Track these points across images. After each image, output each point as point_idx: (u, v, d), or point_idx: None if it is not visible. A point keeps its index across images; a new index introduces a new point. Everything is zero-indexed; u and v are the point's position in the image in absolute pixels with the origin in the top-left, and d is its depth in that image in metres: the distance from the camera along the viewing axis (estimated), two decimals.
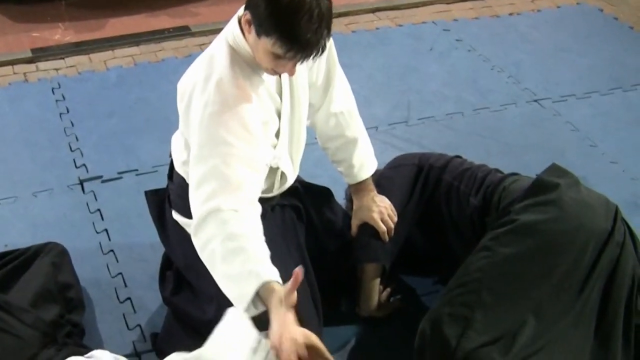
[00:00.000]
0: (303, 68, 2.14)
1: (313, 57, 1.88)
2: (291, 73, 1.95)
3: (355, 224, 2.44)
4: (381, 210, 2.38)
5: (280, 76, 2.07)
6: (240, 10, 1.96)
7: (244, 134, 1.90)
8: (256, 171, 1.93)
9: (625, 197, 3.07)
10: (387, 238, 2.39)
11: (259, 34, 1.85)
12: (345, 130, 2.37)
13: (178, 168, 2.23)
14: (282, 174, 2.21)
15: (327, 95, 2.31)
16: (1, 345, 2.02)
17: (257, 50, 1.90)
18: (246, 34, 1.92)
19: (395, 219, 2.40)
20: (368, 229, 2.39)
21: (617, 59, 4.29)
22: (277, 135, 2.13)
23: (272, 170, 2.16)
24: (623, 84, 4.04)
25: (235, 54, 1.97)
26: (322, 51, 1.88)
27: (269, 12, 1.79)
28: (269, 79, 2.05)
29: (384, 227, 2.38)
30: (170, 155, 2.32)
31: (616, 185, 3.17)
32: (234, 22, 1.99)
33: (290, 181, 2.27)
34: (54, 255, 2.41)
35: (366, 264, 2.43)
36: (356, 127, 2.41)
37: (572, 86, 4.00)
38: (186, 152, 2.11)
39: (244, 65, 1.97)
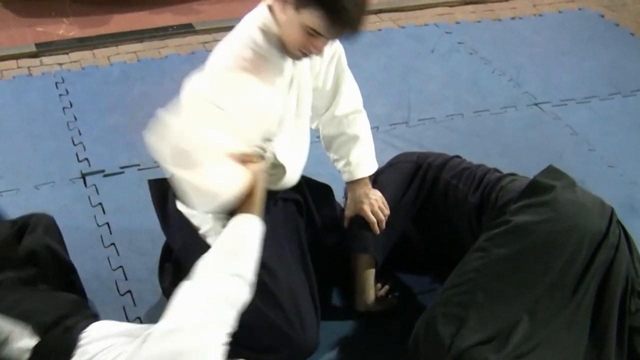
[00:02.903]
0: (307, 71, 2.18)
1: (347, 36, 1.90)
2: (320, 52, 1.97)
3: (347, 215, 2.48)
4: (371, 203, 2.41)
5: (293, 65, 2.09)
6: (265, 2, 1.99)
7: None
8: None
9: (622, 200, 3.10)
10: (377, 230, 2.42)
11: (298, 7, 1.85)
12: (346, 128, 2.40)
13: None
14: (281, 166, 2.20)
15: (335, 100, 2.34)
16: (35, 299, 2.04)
17: (290, 27, 1.91)
18: (277, 13, 1.93)
19: (387, 211, 2.43)
20: (359, 220, 2.43)
21: (617, 65, 4.32)
22: (279, 126, 2.14)
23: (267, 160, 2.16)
24: (623, 89, 4.07)
25: (267, 37, 1.98)
26: (356, 31, 1.90)
27: None
28: (286, 69, 2.07)
29: (373, 219, 2.41)
30: None
31: (614, 188, 3.20)
32: (260, 10, 2.01)
33: (290, 176, 2.27)
34: (48, 240, 2.31)
35: (358, 255, 2.47)
36: (359, 127, 2.43)
37: (572, 90, 4.02)
38: None
39: (274, 48, 1.99)
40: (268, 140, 2.12)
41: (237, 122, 1.92)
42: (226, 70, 1.95)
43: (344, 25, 1.86)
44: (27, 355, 1.83)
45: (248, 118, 1.96)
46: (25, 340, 1.86)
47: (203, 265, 1.81)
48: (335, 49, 2.26)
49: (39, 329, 1.88)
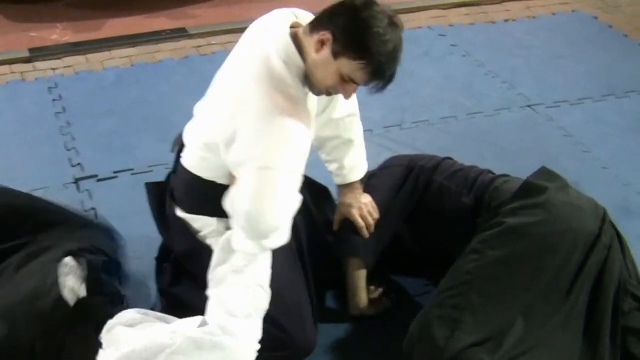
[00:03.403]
0: None
1: (381, 85, 1.94)
2: (349, 96, 1.99)
3: (337, 219, 2.49)
4: (360, 207, 2.43)
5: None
6: (285, 22, 1.96)
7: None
8: None
9: (616, 201, 3.09)
10: (366, 233, 2.43)
11: (337, 53, 1.85)
12: (342, 132, 2.40)
13: (188, 162, 2.20)
14: None
15: (331, 103, 2.32)
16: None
17: (324, 69, 1.89)
18: (309, 51, 1.90)
19: (376, 215, 2.44)
20: (349, 224, 2.44)
21: (610, 66, 4.32)
22: None
23: None
24: (616, 90, 4.07)
25: (290, 70, 1.92)
26: (390, 82, 1.96)
27: (373, 45, 1.83)
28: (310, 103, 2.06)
29: (361, 223, 2.42)
30: (174, 149, 2.31)
31: (608, 190, 3.19)
32: (277, 31, 1.96)
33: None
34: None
35: (348, 259, 2.47)
36: (354, 130, 2.43)
37: (566, 92, 4.02)
38: (206, 151, 2.10)
39: (300, 83, 1.95)
40: None
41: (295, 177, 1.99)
42: (269, 127, 1.89)
43: (382, 78, 1.89)
44: (73, 301, 1.98)
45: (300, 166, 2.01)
46: (79, 288, 2.01)
47: (230, 274, 1.95)
48: None
49: (94, 288, 2.03)
